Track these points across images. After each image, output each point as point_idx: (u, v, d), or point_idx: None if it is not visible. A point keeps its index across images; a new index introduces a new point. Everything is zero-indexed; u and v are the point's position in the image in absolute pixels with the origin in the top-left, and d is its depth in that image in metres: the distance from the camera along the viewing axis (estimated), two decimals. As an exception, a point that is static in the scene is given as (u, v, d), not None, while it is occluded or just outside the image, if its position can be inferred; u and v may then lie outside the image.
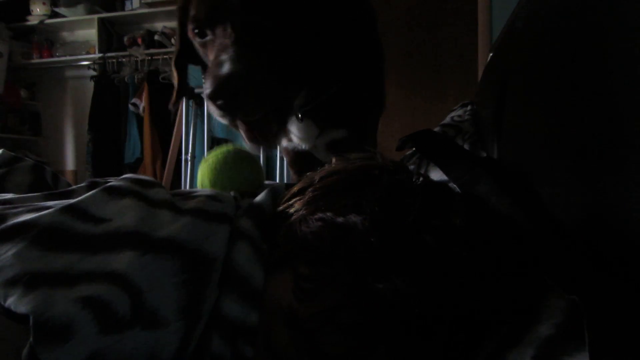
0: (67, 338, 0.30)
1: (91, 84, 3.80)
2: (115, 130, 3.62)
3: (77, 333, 0.30)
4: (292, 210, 0.42)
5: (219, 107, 0.62)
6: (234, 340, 0.36)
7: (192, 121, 2.81)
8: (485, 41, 1.98)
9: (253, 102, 0.59)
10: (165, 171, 2.93)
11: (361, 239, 0.36)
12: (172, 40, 3.56)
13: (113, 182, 0.42)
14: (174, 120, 3.10)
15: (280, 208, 0.44)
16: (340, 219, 0.38)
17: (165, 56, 3.54)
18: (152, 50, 3.62)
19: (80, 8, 3.79)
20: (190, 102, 2.79)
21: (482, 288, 0.37)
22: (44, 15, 3.91)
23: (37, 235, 0.33)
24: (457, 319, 0.36)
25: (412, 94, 2.60)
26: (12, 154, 0.54)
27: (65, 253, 0.33)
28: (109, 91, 3.67)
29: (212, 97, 0.62)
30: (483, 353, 0.33)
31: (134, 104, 3.50)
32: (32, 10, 3.92)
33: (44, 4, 3.90)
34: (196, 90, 2.76)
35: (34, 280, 0.31)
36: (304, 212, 0.41)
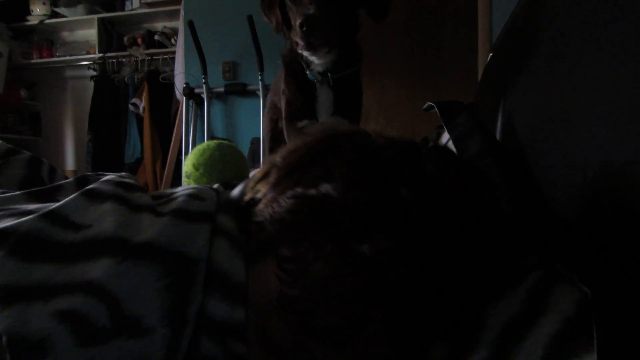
0: (45, 354, 0.29)
1: (91, 84, 3.80)
2: (115, 130, 3.62)
3: (54, 348, 0.29)
4: (259, 195, 0.41)
5: (304, 32, 1.01)
6: (223, 340, 0.36)
7: (192, 121, 2.81)
8: (485, 41, 1.98)
9: (323, 31, 1.03)
10: (165, 171, 2.93)
11: (337, 205, 0.36)
12: (172, 40, 3.56)
13: (95, 184, 0.40)
14: (174, 120, 3.11)
15: (248, 196, 0.43)
16: (312, 191, 0.37)
17: (165, 56, 3.55)
18: (152, 50, 3.62)
19: (80, 8, 3.79)
20: (191, 102, 2.79)
21: (466, 236, 0.36)
22: (44, 15, 3.91)
23: (15, 244, 0.32)
24: (447, 273, 0.35)
25: (412, 94, 2.60)
26: (9, 146, 0.52)
27: (43, 263, 0.32)
28: (109, 91, 3.67)
29: (301, 24, 1.00)
30: (485, 343, 0.32)
31: (134, 104, 3.50)
32: (32, 10, 3.92)
33: (44, 4, 3.90)
34: (196, 90, 2.76)
35: (9, 296, 0.30)
36: (273, 194, 0.40)
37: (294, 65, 1.18)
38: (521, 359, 0.29)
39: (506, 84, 0.66)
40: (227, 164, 0.81)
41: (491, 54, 0.87)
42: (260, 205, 0.40)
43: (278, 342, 0.36)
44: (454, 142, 0.55)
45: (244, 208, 0.42)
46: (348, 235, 0.35)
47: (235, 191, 0.45)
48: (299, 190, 0.38)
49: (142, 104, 3.44)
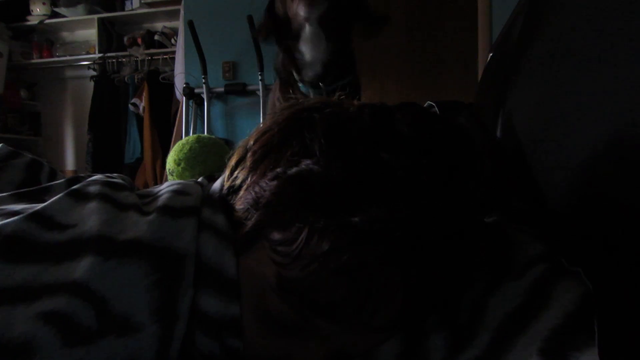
0: (30, 356, 0.29)
1: (91, 84, 3.79)
2: (115, 130, 3.62)
3: (40, 351, 0.29)
4: (238, 182, 0.40)
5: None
6: (219, 335, 0.36)
7: (192, 121, 2.81)
8: (485, 41, 1.98)
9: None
10: (165, 171, 2.93)
11: (321, 179, 0.35)
12: (172, 40, 3.56)
13: (81, 184, 0.40)
14: (174, 120, 3.10)
15: (226, 186, 0.42)
16: (293, 169, 0.36)
17: (165, 56, 3.54)
18: (152, 50, 3.61)
19: (80, 8, 3.78)
20: (191, 102, 2.79)
21: (454, 193, 0.36)
22: (44, 15, 3.91)
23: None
24: (442, 231, 0.34)
25: (412, 94, 2.60)
26: (11, 149, 0.51)
27: (27, 264, 0.32)
28: (109, 91, 3.66)
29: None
30: (487, 330, 0.32)
31: (134, 104, 3.49)
32: (32, 10, 3.92)
33: (44, 4, 3.89)
34: (196, 90, 2.76)
35: None
36: (253, 178, 0.39)
37: (286, 77, 1.17)
38: (520, 348, 0.29)
39: (506, 84, 0.66)
40: (208, 155, 0.81)
41: (491, 54, 0.87)
42: (242, 192, 0.39)
43: (282, 325, 0.36)
44: None
45: (226, 198, 0.41)
46: (338, 208, 0.34)
47: (217, 183, 0.44)
48: (279, 170, 0.37)
49: (142, 104, 3.44)
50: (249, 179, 0.39)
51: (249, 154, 0.41)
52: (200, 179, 0.47)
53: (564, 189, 0.44)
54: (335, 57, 1.13)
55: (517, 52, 0.65)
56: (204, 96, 2.73)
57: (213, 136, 0.91)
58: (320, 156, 0.36)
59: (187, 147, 0.83)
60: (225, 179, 0.43)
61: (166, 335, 0.34)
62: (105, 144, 3.62)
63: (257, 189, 0.38)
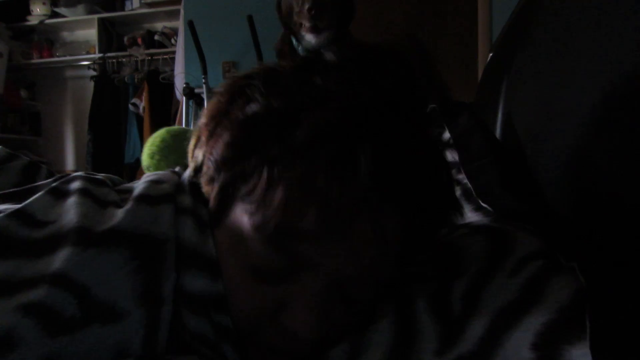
0: (12, 348, 0.29)
1: (91, 84, 3.80)
2: (115, 130, 3.62)
3: (21, 342, 0.30)
4: (199, 159, 0.41)
5: (313, 15, 1.09)
6: (207, 313, 0.36)
7: (192, 121, 2.81)
8: (485, 41, 1.98)
9: (329, 15, 1.10)
10: (165, 171, 2.93)
11: (264, 113, 0.37)
12: (172, 40, 3.56)
13: (60, 182, 0.40)
14: (174, 120, 3.11)
15: (191, 167, 0.43)
16: (239, 117, 0.38)
17: (165, 56, 3.55)
18: (152, 50, 3.62)
19: (80, 8, 3.79)
20: (191, 102, 2.79)
21: (381, 99, 0.37)
22: (44, 15, 3.91)
23: None
24: (376, 132, 0.36)
25: (412, 94, 2.60)
26: (9, 151, 0.52)
27: (7, 260, 0.32)
28: (109, 91, 3.67)
29: (310, 9, 1.08)
30: (480, 324, 0.32)
31: (134, 104, 3.50)
32: (32, 10, 3.92)
33: (44, 4, 3.89)
34: (196, 90, 2.76)
35: None
36: (210, 148, 0.40)
37: (285, 54, 1.22)
38: (512, 343, 0.29)
39: (506, 84, 0.66)
40: (181, 142, 0.83)
41: (491, 54, 0.87)
42: (204, 168, 0.41)
43: (273, 273, 0.36)
44: (454, 141, 0.56)
45: (193, 179, 0.43)
46: (284, 133, 0.36)
47: (188, 170, 0.45)
48: (233, 124, 0.39)
49: (142, 104, 3.45)
50: (207, 149, 0.40)
51: (202, 131, 0.42)
52: (177, 169, 0.47)
53: (564, 187, 0.44)
54: (336, 35, 1.19)
55: (517, 52, 0.65)
56: (204, 96, 2.73)
57: (182, 126, 0.95)
58: (261, 98, 0.38)
59: (159, 139, 0.85)
60: (189, 163, 0.44)
61: (152, 320, 0.34)
62: (105, 144, 3.62)
63: (213, 153, 0.39)
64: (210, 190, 0.40)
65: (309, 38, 1.15)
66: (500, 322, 0.31)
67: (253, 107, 0.38)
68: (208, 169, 0.40)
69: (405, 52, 0.42)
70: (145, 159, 0.83)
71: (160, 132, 0.86)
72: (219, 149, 0.39)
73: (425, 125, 0.44)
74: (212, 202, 0.40)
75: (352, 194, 0.34)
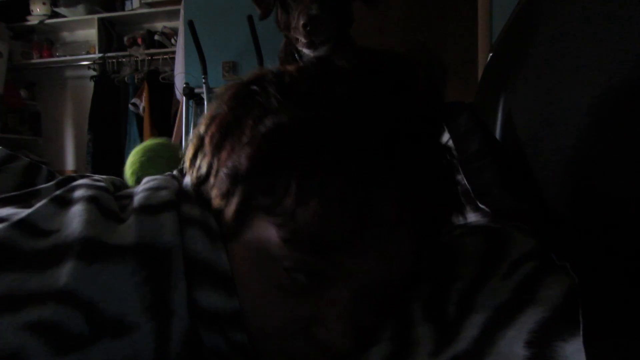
0: None
1: (91, 84, 3.80)
2: (115, 130, 3.62)
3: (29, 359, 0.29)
4: (204, 171, 0.40)
5: (308, 31, 1.07)
6: (222, 330, 0.35)
7: (192, 121, 2.81)
8: (485, 41, 1.98)
9: (325, 30, 1.09)
10: (165, 171, 2.93)
11: (295, 125, 0.36)
12: (172, 40, 3.56)
13: (63, 190, 0.39)
14: (174, 120, 3.11)
15: (193, 177, 0.41)
16: (262, 129, 0.37)
17: (165, 56, 3.54)
18: (152, 50, 3.62)
19: (80, 8, 3.79)
20: (190, 102, 2.79)
21: (400, 105, 0.37)
22: (44, 15, 3.91)
23: None
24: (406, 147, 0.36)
25: (412, 94, 2.60)
26: (9, 152, 0.51)
27: (12, 273, 0.32)
28: (109, 91, 3.67)
29: (305, 25, 1.07)
30: (474, 324, 0.33)
31: (134, 104, 3.50)
32: (32, 10, 3.92)
33: (44, 4, 3.90)
34: (196, 90, 2.76)
35: None
36: (219, 161, 0.39)
37: (289, 63, 1.23)
38: (507, 341, 0.29)
39: (506, 84, 0.66)
40: (161, 149, 0.80)
41: (491, 54, 0.87)
42: (212, 180, 0.39)
43: (299, 286, 0.36)
44: (454, 141, 0.56)
45: (198, 190, 0.41)
46: (316, 146, 0.35)
47: (187, 177, 0.43)
48: (248, 137, 0.37)
49: (142, 104, 3.44)
50: (215, 163, 0.39)
51: (206, 141, 0.40)
52: (174, 172, 0.46)
53: (563, 187, 0.44)
54: (336, 42, 1.18)
55: (517, 52, 0.65)
56: (204, 96, 2.73)
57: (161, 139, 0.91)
58: (281, 108, 0.37)
59: (139, 155, 0.81)
60: (188, 172, 0.42)
61: (163, 332, 0.34)
62: (105, 144, 3.62)
63: (229, 166, 0.37)
64: (223, 204, 0.38)
65: (307, 52, 1.15)
66: (494, 322, 0.31)
67: (276, 118, 0.36)
68: (221, 182, 0.38)
69: (422, 62, 0.41)
70: (130, 179, 0.81)
71: (137, 151, 0.82)
72: (238, 162, 0.37)
73: (442, 134, 0.44)
74: (228, 216, 0.38)
75: (392, 204, 0.34)
